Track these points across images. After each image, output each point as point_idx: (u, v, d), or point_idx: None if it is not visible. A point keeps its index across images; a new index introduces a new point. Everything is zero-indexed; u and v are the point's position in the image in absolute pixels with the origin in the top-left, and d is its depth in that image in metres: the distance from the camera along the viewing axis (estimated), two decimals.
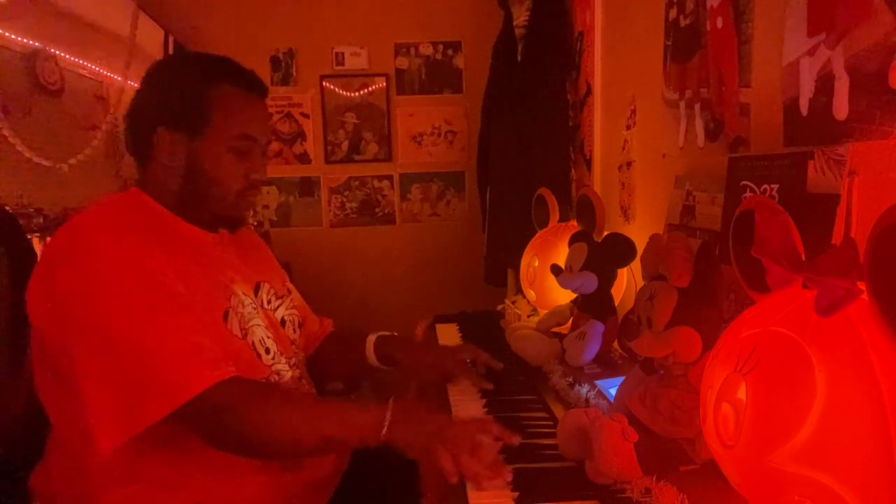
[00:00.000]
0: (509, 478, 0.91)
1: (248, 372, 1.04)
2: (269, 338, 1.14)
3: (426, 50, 3.24)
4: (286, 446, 1.00)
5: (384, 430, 0.97)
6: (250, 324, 1.11)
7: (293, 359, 1.20)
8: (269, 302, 1.21)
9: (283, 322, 1.23)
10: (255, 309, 1.14)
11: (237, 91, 1.10)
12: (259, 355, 1.11)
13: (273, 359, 1.13)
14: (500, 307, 2.08)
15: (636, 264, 1.21)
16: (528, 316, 1.83)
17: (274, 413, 0.98)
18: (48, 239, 1.05)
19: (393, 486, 1.23)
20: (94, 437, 0.93)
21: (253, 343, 1.10)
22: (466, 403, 1.27)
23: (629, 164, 1.84)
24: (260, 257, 1.30)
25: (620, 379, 1.13)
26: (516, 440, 0.98)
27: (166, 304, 0.97)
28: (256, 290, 1.19)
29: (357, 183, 3.31)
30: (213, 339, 0.99)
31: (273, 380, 1.12)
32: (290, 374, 1.16)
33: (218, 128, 1.07)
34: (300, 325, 1.29)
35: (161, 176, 1.09)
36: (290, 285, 1.33)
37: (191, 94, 1.07)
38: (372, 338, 1.35)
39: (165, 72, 1.16)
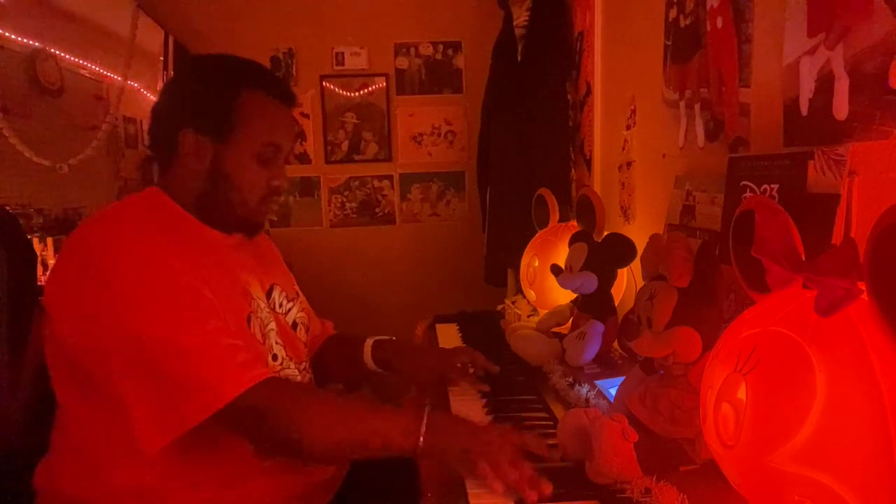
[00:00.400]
0: (549, 490, 0.87)
1: None
2: (278, 343, 1.13)
3: (426, 50, 3.24)
4: (324, 448, 0.98)
5: (421, 441, 0.94)
6: (267, 328, 1.11)
7: (303, 363, 1.20)
8: (280, 305, 1.20)
9: (294, 325, 1.22)
10: (268, 313, 1.13)
11: (267, 99, 1.09)
12: (266, 361, 1.10)
13: (281, 364, 1.13)
14: (500, 307, 2.08)
15: (636, 264, 1.20)
16: (528, 316, 1.83)
17: (311, 414, 0.97)
18: (72, 235, 1.01)
19: (393, 486, 1.23)
20: (139, 439, 0.92)
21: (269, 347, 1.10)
22: (466, 404, 1.26)
23: (629, 164, 1.84)
24: (271, 260, 1.29)
25: (620, 379, 1.13)
26: (556, 456, 0.96)
27: (197, 307, 0.96)
28: (269, 293, 1.18)
29: (357, 183, 3.31)
30: (244, 342, 0.99)
31: None
32: (300, 379, 1.16)
33: (245, 134, 1.06)
34: (308, 329, 1.29)
35: (183, 177, 1.08)
36: (297, 287, 1.33)
37: (221, 98, 1.06)
38: (369, 342, 1.34)
39: (197, 72, 1.14)
